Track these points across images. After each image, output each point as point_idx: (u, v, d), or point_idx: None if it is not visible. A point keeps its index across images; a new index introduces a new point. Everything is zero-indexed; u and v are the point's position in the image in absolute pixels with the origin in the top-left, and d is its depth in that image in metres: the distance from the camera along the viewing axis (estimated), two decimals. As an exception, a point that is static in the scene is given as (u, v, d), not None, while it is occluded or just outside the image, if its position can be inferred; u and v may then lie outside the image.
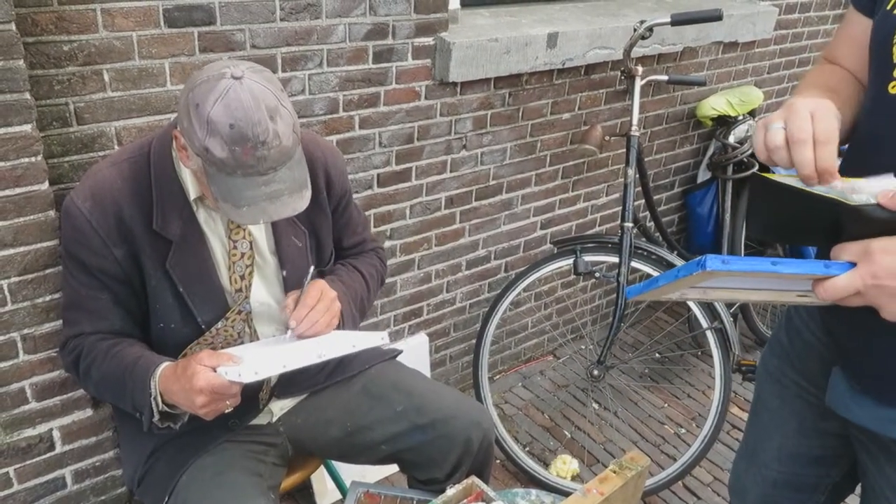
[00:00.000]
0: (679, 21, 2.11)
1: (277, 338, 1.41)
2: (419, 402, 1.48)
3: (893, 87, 0.90)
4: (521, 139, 2.33)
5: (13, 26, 1.23)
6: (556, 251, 2.36)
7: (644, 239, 2.64)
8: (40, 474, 1.60)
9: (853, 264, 0.79)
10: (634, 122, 2.24)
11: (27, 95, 1.28)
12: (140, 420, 1.24)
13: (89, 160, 1.49)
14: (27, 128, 1.30)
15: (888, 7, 0.93)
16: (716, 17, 2.12)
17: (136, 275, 1.26)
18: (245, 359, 1.17)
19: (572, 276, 2.79)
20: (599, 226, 2.82)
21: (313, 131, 1.79)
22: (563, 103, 2.38)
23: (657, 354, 3.03)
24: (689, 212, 3.02)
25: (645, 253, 2.25)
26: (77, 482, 1.68)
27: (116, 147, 1.51)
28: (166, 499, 1.35)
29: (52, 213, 1.39)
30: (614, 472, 1.20)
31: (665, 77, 2.33)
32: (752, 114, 2.84)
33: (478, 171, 2.26)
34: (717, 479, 2.40)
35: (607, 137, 2.45)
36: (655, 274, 2.05)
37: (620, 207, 2.31)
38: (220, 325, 1.34)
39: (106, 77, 1.46)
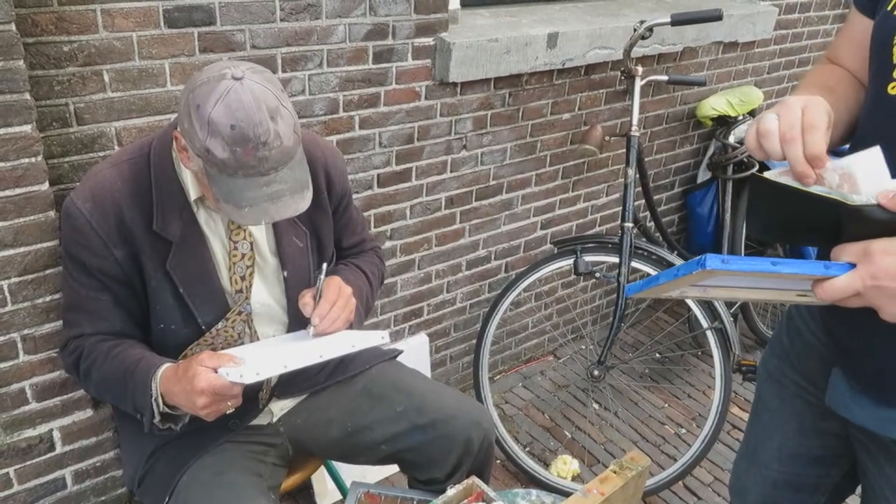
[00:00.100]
0: (679, 21, 2.12)
1: (285, 335, 1.41)
2: (419, 402, 1.48)
3: (893, 87, 0.90)
4: (521, 139, 2.33)
5: (13, 27, 1.23)
6: (556, 251, 2.36)
7: (644, 239, 2.64)
8: (40, 475, 1.60)
9: (853, 265, 0.79)
10: (634, 122, 2.24)
11: (27, 96, 1.28)
12: (140, 420, 1.24)
13: (89, 161, 1.49)
14: (27, 128, 1.30)
15: (888, 8, 0.93)
16: (716, 17, 2.12)
17: (136, 276, 1.26)
18: (246, 359, 1.17)
19: (572, 277, 2.79)
20: (600, 226, 2.82)
21: (313, 132, 1.79)
22: (564, 103, 2.38)
23: (657, 354, 3.03)
24: (690, 212, 3.02)
25: (645, 253, 2.25)
26: (77, 483, 1.68)
27: (116, 147, 1.51)
28: (167, 499, 1.35)
29: (52, 213, 1.39)
30: (615, 472, 1.20)
31: (665, 77, 2.33)
32: (752, 114, 2.84)
33: (478, 172, 2.26)
34: (717, 479, 2.40)
35: (607, 137, 2.45)
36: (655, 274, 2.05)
37: (620, 207, 2.31)
38: (220, 325, 1.34)
39: (106, 77, 1.46)
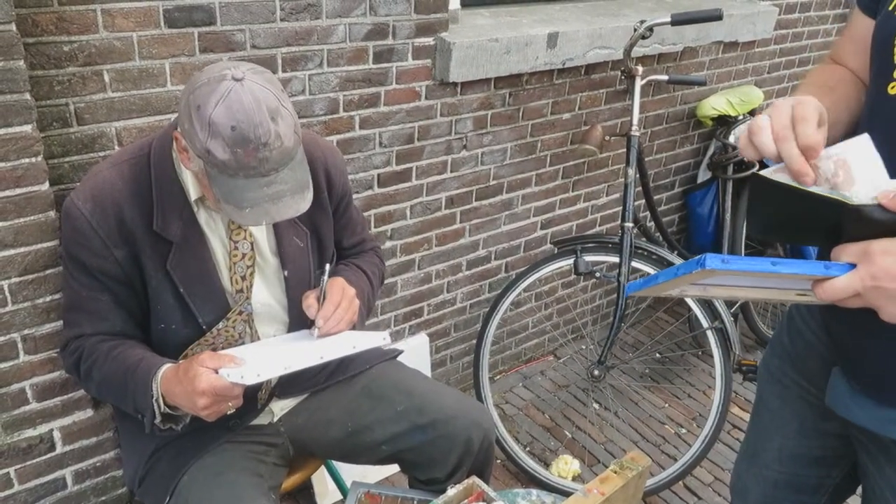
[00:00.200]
0: (679, 21, 2.11)
1: (286, 336, 1.41)
2: (420, 402, 1.48)
3: (893, 87, 0.90)
4: (521, 139, 2.33)
5: (13, 27, 1.23)
6: (556, 251, 2.36)
7: (644, 239, 2.64)
8: (41, 475, 1.60)
9: (853, 265, 0.79)
10: (635, 121, 2.24)
11: (27, 96, 1.28)
12: (141, 421, 1.24)
13: (90, 161, 1.49)
14: (27, 128, 1.30)
15: (889, 8, 0.93)
16: (716, 16, 2.12)
17: (136, 276, 1.26)
18: (247, 360, 1.17)
19: (573, 276, 2.79)
20: (600, 226, 2.82)
21: (314, 132, 1.79)
22: (564, 103, 2.38)
23: (658, 354, 3.03)
24: (690, 212, 3.02)
25: (645, 253, 2.25)
26: (77, 483, 1.68)
27: (117, 147, 1.51)
28: (167, 499, 1.35)
29: (52, 213, 1.39)
30: (615, 472, 1.20)
31: (665, 77, 2.33)
32: (752, 114, 2.84)
33: (478, 172, 2.26)
34: (717, 479, 2.40)
35: (607, 137, 2.45)
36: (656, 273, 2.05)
37: (621, 207, 2.31)
38: (220, 325, 1.34)
39: (106, 77, 1.45)
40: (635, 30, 2.17)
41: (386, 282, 2.16)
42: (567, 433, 2.56)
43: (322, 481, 2.10)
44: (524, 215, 2.51)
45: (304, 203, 1.17)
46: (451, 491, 1.28)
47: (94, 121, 1.47)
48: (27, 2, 1.31)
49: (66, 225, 1.23)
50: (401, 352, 1.68)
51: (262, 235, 1.35)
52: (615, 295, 2.23)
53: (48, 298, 1.45)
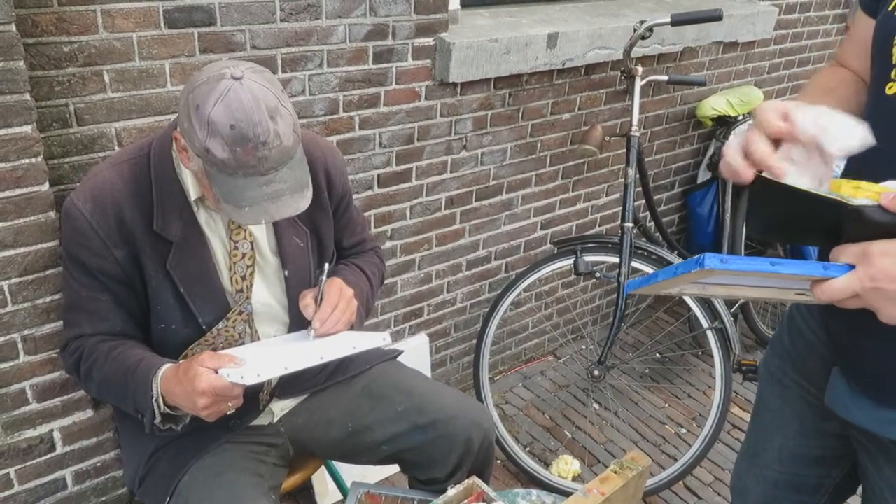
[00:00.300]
0: (679, 21, 2.12)
1: (286, 336, 1.41)
2: (420, 403, 1.48)
3: (891, 87, 0.90)
4: (521, 139, 2.33)
5: (13, 27, 1.23)
6: (556, 251, 2.36)
7: (644, 239, 2.64)
8: (41, 475, 1.60)
9: (852, 266, 0.79)
10: (634, 122, 2.24)
11: (27, 96, 1.28)
12: (141, 421, 1.24)
13: (90, 161, 1.49)
14: (27, 129, 1.30)
15: (889, 8, 0.93)
16: (716, 17, 2.12)
17: (136, 276, 1.26)
18: (247, 360, 1.17)
19: (573, 277, 2.79)
20: (600, 226, 2.82)
21: (314, 132, 1.79)
22: (564, 103, 2.38)
23: (658, 354, 3.03)
24: (690, 212, 3.02)
25: (645, 253, 2.25)
26: (78, 483, 1.68)
27: (117, 148, 1.51)
28: (167, 500, 1.35)
29: (52, 213, 1.39)
30: (615, 472, 1.20)
31: (665, 77, 2.33)
32: (751, 114, 2.83)
33: (478, 172, 2.27)
34: (717, 479, 2.40)
35: (607, 138, 2.45)
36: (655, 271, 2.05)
37: (621, 207, 2.31)
38: (221, 325, 1.34)
39: (106, 78, 1.46)
40: (635, 30, 2.17)
41: (386, 282, 2.16)
42: (567, 433, 2.56)
43: (322, 481, 2.10)
44: (524, 215, 2.51)
45: (303, 202, 1.17)
46: (452, 491, 1.28)
47: (94, 121, 1.47)
48: (27, 2, 1.31)
49: (66, 225, 1.23)
50: (401, 352, 1.68)
51: (262, 235, 1.35)
52: (615, 295, 2.23)
53: (48, 299, 1.45)
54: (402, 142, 2.02)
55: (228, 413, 1.20)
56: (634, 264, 2.22)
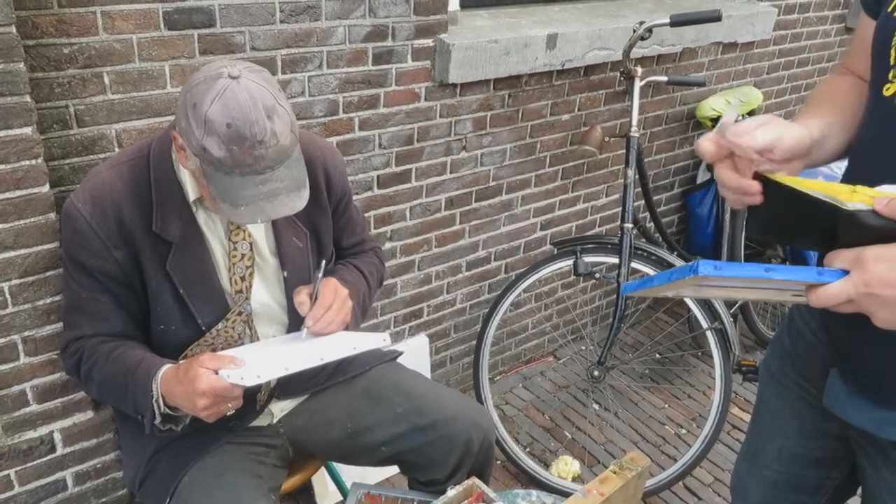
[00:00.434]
0: (678, 22, 2.12)
1: (285, 336, 1.41)
2: (419, 404, 1.48)
3: (888, 89, 0.90)
4: (520, 140, 2.33)
5: (13, 29, 1.23)
6: (556, 252, 2.36)
7: (644, 240, 2.64)
8: (41, 476, 1.60)
9: (846, 272, 0.79)
10: (634, 122, 2.24)
11: (27, 98, 1.29)
12: (141, 422, 1.24)
13: (90, 162, 1.49)
14: (28, 130, 1.30)
15: (889, 9, 0.93)
16: (715, 17, 2.12)
17: (136, 277, 1.26)
18: (246, 361, 1.17)
19: (572, 277, 2.79)
20: (599, 227, 2.82)
21: (313, 132, 1.79)
22: (563, 104, 2.38)
23: (657, 355, 3.03)
24: (689, 212, 3.03)
25: (645, 254, 2.25)
26: (78, 484, 1.68)
27: (117, 149, 1.52)
28: (167, 501, 1.35)
29: (52, 215, 1.39)
30: (615, 472, 1.20)
31: (664, 78, 2.33)
32: (751, 114, 2.84)
33: (478, 173, 2.27)
34: (717, 480, 2.40)
35: (607, 138, 2.45)
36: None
37: (620, 208, 2.31)
38: (220, 326, 1.34)
39: (106, 79, 1.46)
40: (634, 31, 2.17)
41: (386, 283, 2.16)
42: (567, 434, 2.56)
43: (322, 482, 2.10)
44: (524, 216, 2.51)
45: (300, 201, 1.17)
46: (451, 492, 1.28)
47: (94, 123, 1.47)
48: (27, 4, 1.31)
49: (66, 226, 1.24)
50: (401, 353, 1.68)
51: (261, 236, 1.36)
52: (615, 296, 2.23)
53: (48, 300, 1.45)
54: (402, 143, 2.02)
55: (228, 414, 1.20)
56: (634, 265, 2.22)
